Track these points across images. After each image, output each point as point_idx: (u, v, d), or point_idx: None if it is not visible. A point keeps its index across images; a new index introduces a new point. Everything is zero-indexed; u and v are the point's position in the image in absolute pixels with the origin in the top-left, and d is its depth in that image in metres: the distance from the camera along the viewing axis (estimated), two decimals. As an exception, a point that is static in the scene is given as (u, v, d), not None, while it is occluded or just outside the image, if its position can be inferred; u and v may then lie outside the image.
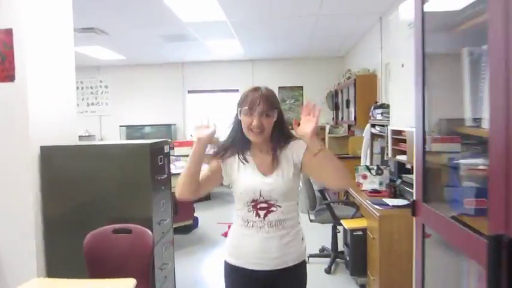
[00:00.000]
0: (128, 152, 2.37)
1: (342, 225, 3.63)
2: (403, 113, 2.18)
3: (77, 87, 8.77)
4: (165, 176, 2.63)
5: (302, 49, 7.52)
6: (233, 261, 1.63)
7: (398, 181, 3.36)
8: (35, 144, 2.38)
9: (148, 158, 2.35)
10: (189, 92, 8.75)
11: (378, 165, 3.81)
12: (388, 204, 3.10)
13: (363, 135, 5.03)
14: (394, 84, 2.42)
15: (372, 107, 5.45)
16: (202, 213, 5.49)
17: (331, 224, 3.86)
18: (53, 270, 2.47)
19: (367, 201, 3.30)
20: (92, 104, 8.83)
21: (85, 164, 2.42)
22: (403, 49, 2.18)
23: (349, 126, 6.68)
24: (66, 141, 2.62)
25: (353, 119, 5.86)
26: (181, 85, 8.70)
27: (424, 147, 1.45)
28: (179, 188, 1.58)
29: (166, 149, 2.68)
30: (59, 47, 2.74)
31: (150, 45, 6.74)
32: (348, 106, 6.40)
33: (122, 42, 6.49)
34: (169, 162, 2.78)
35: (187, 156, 5.71)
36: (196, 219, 5.00)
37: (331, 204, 3.75)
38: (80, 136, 8.38)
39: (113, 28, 5.55)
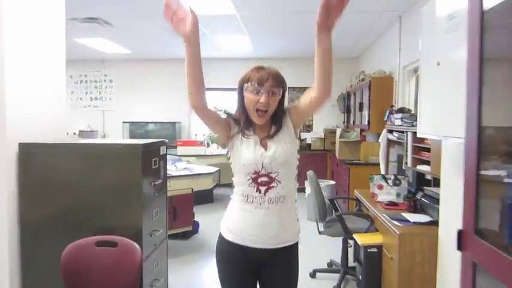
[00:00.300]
0: (117, 153, 2.07)
1: (353, 239, 3.31)
2: (438, 119, 1.86)
3: (81, 81, 8.61)
4: (160, 181, 2.33)
5: (314, 48, 7.18)
6: (230, 237, 1.62)
7: (420, 194, 3.04)
8: (12, 141, 2.09)
9: (140, 160, 2.05)
10: (196, 89, 8.44)
11: (395, 175, 3.48)
12: (408, 221, 2.77)
13: (379, 141, 4.70)
14: (424, 85, 2.10)
15: (388, 111, 5.13)
16: (203, 217, 5.20)
17: (342, 237, 3.54)
18: (27, 284, 2.18)
19: (384, 215, 2.98)
20: (96, 98, 8.58)
21: (69, 164, 2.12)
22: (439, 45, 1.85)
23: (361, 131, 6.34)
24: (52, 138, 2.34)
25: (366, 123, 5.53)
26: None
27: (478, 165, 1.13)
28: (189, 99, 1.54)
29: (162, 150, 2.38)
30: (47, 36, 2.46)
31: (155, 38, 6.47)
32: (361, 109, 6.07)
33: (127, 35, 6.22)
34: (165, 165, 2.48)
35: (190, 156, 5.45)
36: (196, 224, 4.71)
37: (343, 216, 3.43)
38: (81, 131, 8.21)
39: (116, 18, 5.28)
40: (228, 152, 1.65)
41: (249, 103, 1.56)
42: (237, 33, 5.94)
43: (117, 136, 8.24)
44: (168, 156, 5.50)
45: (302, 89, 8.26)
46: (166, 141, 2.47)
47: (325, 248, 4.21)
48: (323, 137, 7.76)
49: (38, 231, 2.15)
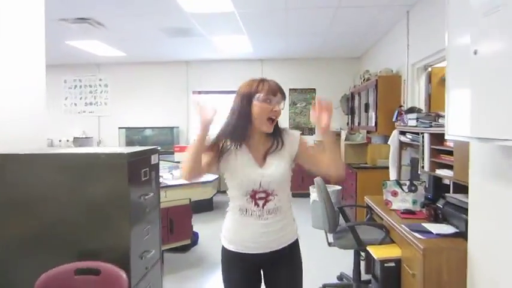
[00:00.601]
0: (99, 164, 1.78)
1: (366, 251, 3.02)
2: (476, 118, 1.57)
3: (75, 86, 8.33)
4: (152, 194, 2.04)
5: (315, 48, 6.93)
6: (232, 247, 1.66)
7: (441, 202, 2.74)
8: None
9: (127, 171, 1.76)
10: (194, 92, 8.18)
11: (410, 180, 3.19)
12: (431, 232, 2.48)
13: (389, 143, 4.42)
14: (454, 80, 1.81)
15: (396, 112, 4.85)
16: (203, 227, 4.90)
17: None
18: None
19: (403, 225, 2.69)
20: (91, 103, 8.30)
21: (44, 177, 1.83)
22: (476, 31, 1.57)
23: (367, 133, 6.05)
24: (29, 148, 2.05)
25: (373, 124, 5.24)
26: (185, 85, 8.15)
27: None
28: (186, 172, 1.56)
29: (154, 159, 2.09)
30: (22, 37, 2.17)
31: (151, 40, 6.19)
32: (366, 110, 5.78)
33: (121, 37, 5.95)
34: (157, 176, 2.19)
35: None
36: (195, 235, 4.41)
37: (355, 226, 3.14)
38: (75, 138, 7.92)
39: (109, 19, 5.00)
40: (221, 171, 1.67)
41: (261, 112, 1.58)
42: (235, 33, 5.66)
43: (113, 142, 7.95)
44: (165, 163, 5.22)
45: (303, 91, 7.99)
46: (159, 148, 2.18)
47: (334, 259, 3.91)
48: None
49: (7, 257, 1.85)
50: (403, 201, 3.15)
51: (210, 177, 4.06)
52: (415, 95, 4.68)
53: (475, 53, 1.55)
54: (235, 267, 1.68)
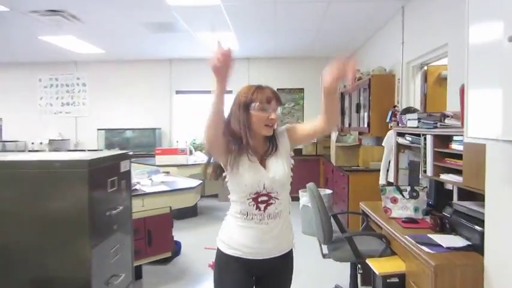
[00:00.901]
0: (54, 174, 1.45)
1: (365, 263, 2.75)
2: (510, 118, 1.31)
3: (51, 85, 7.87)
4: (121, 207, 1.72)
5: (305, 47, 6.67)
6: (230, 252, 1.66)
7: (448, 210, 2.49)
8: None
9: (87, 182, 1.44)
10: (177, 92, 7.83)
11: (411, 186, 2.94)
12: (440, 245, 2.21)
13: (383, 144, 4.19)
14: (475, 75, 1.55)
15: (390, 112, 4.62)
16: (186, 235, 4.56)
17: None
18: None
19: (407, 237, 2.42)
20: (68, 103, 7.87)
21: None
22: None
23: (359, 134, 5.80)
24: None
25: (366, 125, 5.00)
26: (168, 84, 7.79)
27: None
28: (209, 132, 1.52)
29: (124, 166, 1.76)
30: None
31: (132, 36, 5.83)
32: (358, 111, 5.54)
33: (99, 32, 5.56)
34: (129, 185, 1.86)
35: (170, 166, 4.79)
36: (178, 244, 4.07)
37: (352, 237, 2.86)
38: (51, 140, 7.47)
39: (85, 12, 4.63)
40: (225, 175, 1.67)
41: (258, 121, 1.62)
42: (221, 29, 5.35)
43: (92, 145, 7.53)
44: (144, 167, 4.87)
45: (291, 91, 7.72)
46: (130, 153, 1.86)
47: (328, 270, 3.64)
48: (315, 141, 7.22)
49: None
50: (403, 208, 2.89)
51: (192, 182, 3.74)
52: (410, 94, 4.46)
53: (510, 39, 1.28)
54: (230, 271, 1.68)
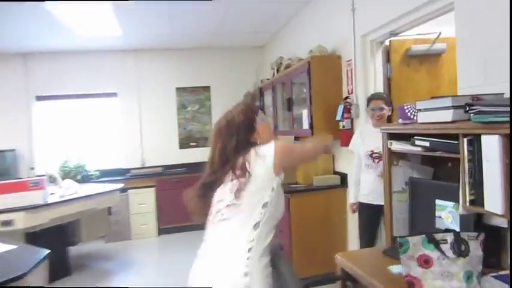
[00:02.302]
0: None
1: None
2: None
3: None
4: None
5: (209, 33, 5.18)
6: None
7: None
8: None
9: None
10: (39, 98, 5.67)
11: (456, 233, 1.60)
12: None
13: (350, 148, 2.97)
14: None
15: (342, 107, 3.39)
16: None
17: None
18: None
19: None
20: None
21: None
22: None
23: (295, 139, 4.49)
24: None
25: (307, 126, 3.69)
26: (23, 88, 5.58)
27: None
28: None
29: None
30: None
31: None
32: (289, 109, 4.23)
33: None
34: None
35: (13, 212, 2.76)
36: None
37: None
38: None
39: None
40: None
41: (264, 131, 1.62)
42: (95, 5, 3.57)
43: None
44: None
45: (194, 90, 6.15)
46: None
47: None
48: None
49: None
50: (445, 275, 1.55)
51: (41, 251, 1.94)
52: (369, 80, 3.26)
53: None
54: None
